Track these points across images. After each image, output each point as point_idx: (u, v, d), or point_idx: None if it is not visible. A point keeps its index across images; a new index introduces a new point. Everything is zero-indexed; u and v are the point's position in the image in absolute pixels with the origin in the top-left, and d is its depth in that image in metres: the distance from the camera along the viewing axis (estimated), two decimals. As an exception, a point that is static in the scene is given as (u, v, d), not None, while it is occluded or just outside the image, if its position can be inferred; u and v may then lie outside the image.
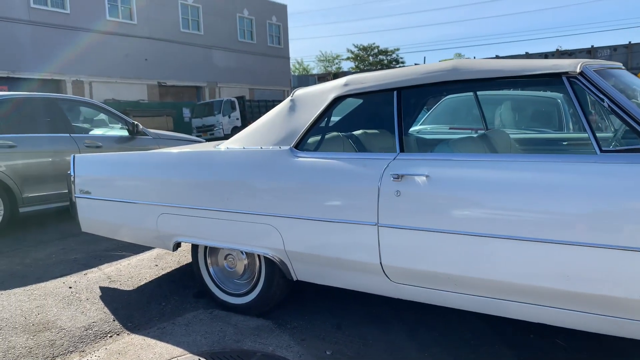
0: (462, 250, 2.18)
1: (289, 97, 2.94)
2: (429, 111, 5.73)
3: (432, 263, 2.26)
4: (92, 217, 3.46)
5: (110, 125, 6.82)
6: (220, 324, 2.86)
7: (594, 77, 2.01)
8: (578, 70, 2.04)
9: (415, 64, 2.58)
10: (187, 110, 23.68)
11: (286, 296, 3.01)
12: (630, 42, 30.29)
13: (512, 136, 3.54)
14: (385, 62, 49.40)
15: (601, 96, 1.98)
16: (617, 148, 1.96)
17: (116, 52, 24.17)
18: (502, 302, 2.19)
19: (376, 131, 3.39)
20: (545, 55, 31.31)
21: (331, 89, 2.75)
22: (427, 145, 3.44)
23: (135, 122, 6.33)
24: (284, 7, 35.01)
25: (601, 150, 1.95)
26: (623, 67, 2.53)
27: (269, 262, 2.82)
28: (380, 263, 2.39)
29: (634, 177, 1.84)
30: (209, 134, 21.84)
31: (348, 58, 51.61)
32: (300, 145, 2.72)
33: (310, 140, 2.79)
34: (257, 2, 32.56)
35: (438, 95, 3.96)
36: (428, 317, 2.82)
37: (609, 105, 1.96)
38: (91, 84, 23.32)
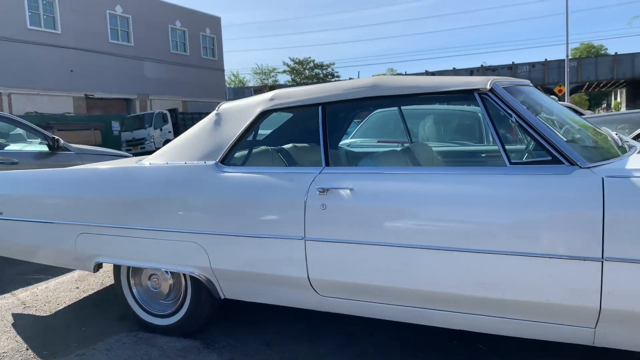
0: (386, 261, 2.22)
1: (214, 111, 2.90)
2: (359, 125, 5.85)
3: (358, 275, 2.29)
4: (4, 239, 3.23)
5: (28, 140, 6.42)
6: (145, 347, 2.74)
7: (502, 94, 2.14)
8: (488, 87, 2.16)
9: (350, 78, 2.66)
10: (116, 124, 22.78)
11: (214, 315, 2.94)
12: (546, 59, 32.54)
13: (435, 149, 3.68)
14: (321, 75, 50.07)
15: (509, 111, 2.10)
16: (524, 160, 2.09)
17: (39, 63, 22.92)
18: (427, 311, 2.25)
19: (306, 145, 3.41)
20: (471, 71, 32.96)
21: (257, 103, 2.75)
22: (354, 159, 3.50)
23: (56, 137, 6.00)
24: (217, 20, 34.71)
25: (510, 162, 2.06)
26: (531, 85, 2.70)
27: (195, 281, 2.74)
28: (308, 277, 2.39)
29: (538, 187, 1.96)
30: (139, 147, 21.09)
31: (284, 71, 51.85)
32: (227, 159, 2.68)
33: (237, 154, 2.76)
34: (189, 13, 32.06)
35: (361, 110, 4.06)
36: (358, 330, 2.84)
37: (516, 120, 2.08)
38: (10, 96, 21.93)
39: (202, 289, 2.74)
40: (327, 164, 2.47)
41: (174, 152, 2.87)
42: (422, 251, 2.14)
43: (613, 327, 1.91)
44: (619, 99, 42.53)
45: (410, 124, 5.12)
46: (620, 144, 2.39)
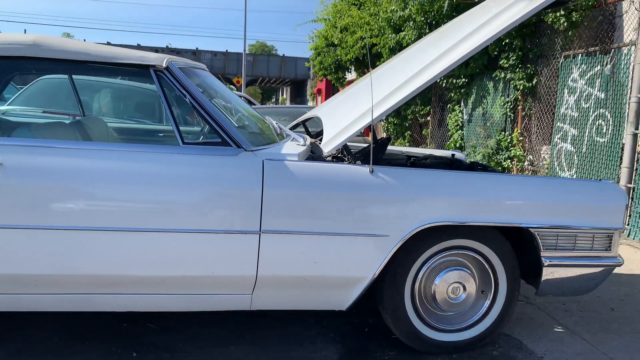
0: (47, 247, 1.99)
1: None
2: (20, 90, 5.02)
3: (8, 265, 1.97)
4: None
5: None
6: None
7: (178, 74, 2.15)
8: (164, 65, 2.14)
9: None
10: None
11: None
12: (227, 50, 34.78)
13: (111, 125, 3.47)
14: (-29, 26, 40.68)
15: (184, 92, 2.13)
16: (196, 141, 2.17)
17: None
18: (97, 296, 2.12)
19: (-62, 108, 2.71)
20: (156, 50, 32.40)
21: None
22: (8, 129, 2.97)
23: None
24: None
25: (183, 142, 2.11)
26: (207, 69, 2.82)
27: None
28: None
29: (208, 167, 2.07)
30: None
31: None
32: None
33: None
34: None
35: (19, 72, 3.47)
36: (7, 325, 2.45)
37: (190, 101, 2.13)
38: None
39: None
40: (-34, 132, 2.01)
41: None
42: (91, 233, 2.00)
43: (267, 291, 2.20)
44: (285, 95, 49.14)
45: (85, 96, 4.67)
46: (279, 132, 2.74)
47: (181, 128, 2.17)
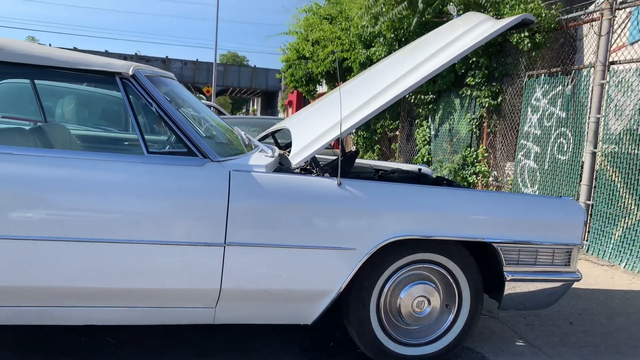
0: (1, 257, 1.90)
1: None
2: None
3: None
4: None
5: None
6: None
7: (144, 82, 2.11)
8: (130, 73, 2.10)
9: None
10: None
11: None
12: (197, 59, 34.55)
13: (74, 132, 3.38)
14: None
15: (150, 100, 2.09)
16: (162, 150, 2.13)
17: None
18: (51, 309, 2.04)
19: None
20: (125, 57, 31.91)
21: None
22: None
23: None
24: None
25: (148, 152, 2.06)
26: (175, 78, 2.78)
27: None
28: None
29: (173, 177, 2.03)
30: None
31: None
32: None
33: None
34: None
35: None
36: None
37: (156, 110, 2.10)
38: None
39: None
40: None
41: None
42: (49, 243, 1.93)
43: (231, 305, 2.16)
44: (255, 106, 48.99)
45: (49, 101, 4.55)
46: (247, 142, 2.72)
47: (147, 137, 2.12)
